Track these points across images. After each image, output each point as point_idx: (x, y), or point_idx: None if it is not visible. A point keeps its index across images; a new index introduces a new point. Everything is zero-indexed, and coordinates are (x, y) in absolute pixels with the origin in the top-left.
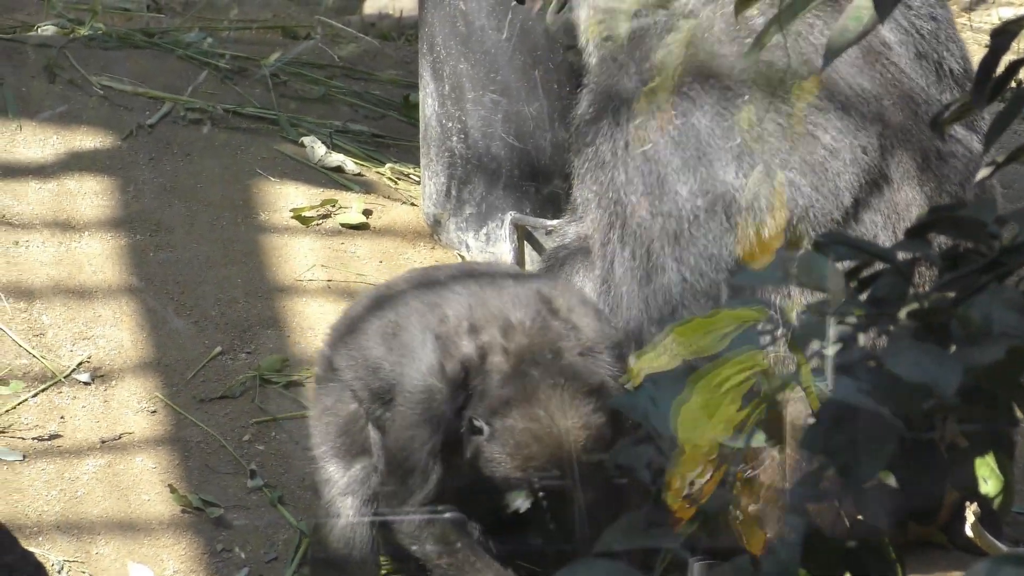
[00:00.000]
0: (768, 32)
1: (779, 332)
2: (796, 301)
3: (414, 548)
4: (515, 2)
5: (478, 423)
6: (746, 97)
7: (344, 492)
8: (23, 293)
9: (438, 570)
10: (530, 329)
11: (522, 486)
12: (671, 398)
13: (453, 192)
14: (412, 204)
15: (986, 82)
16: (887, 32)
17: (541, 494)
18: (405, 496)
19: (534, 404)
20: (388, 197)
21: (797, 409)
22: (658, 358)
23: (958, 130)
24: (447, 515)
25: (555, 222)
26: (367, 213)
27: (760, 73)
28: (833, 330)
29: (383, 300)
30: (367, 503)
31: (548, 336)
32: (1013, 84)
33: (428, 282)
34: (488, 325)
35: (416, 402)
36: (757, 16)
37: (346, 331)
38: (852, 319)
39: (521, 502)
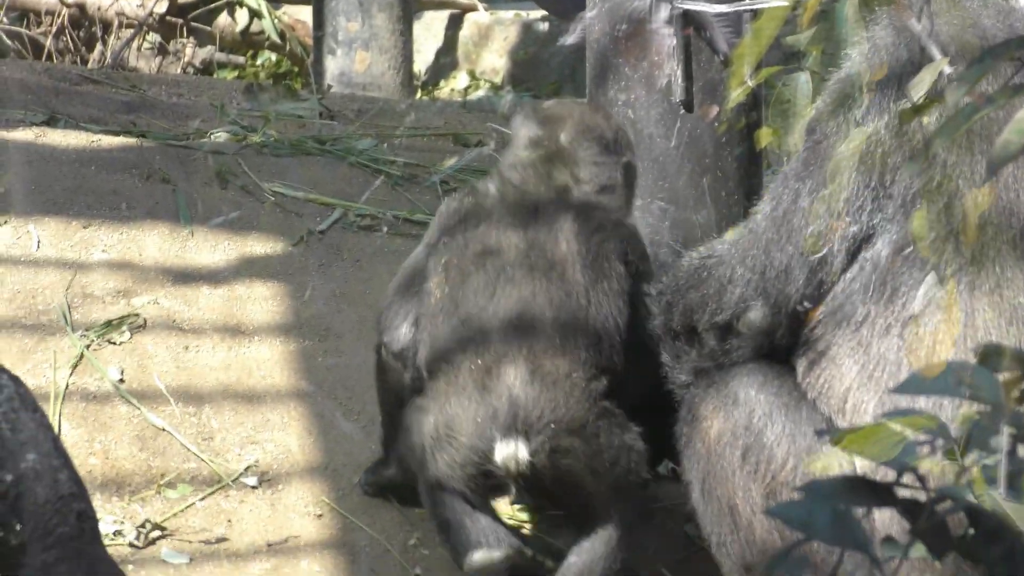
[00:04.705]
0: (934, 144)
1: (940, 442)
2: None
3: None
4: (684, 110)
5: None
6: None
7: None
8: (192, 397)
9: None
10: None
11: None
12: (830, 508)
13: None
14: None
15: None
16: None
17: None
18: None
19: None
20: None
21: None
22: (829, 464)
23: None
24: None
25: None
26: None
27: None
28: (1005, 440)
29: None
30: None
31: None
32: None
33: None
34: None
35: None
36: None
37: None
38: (1013, 430)
39: None
